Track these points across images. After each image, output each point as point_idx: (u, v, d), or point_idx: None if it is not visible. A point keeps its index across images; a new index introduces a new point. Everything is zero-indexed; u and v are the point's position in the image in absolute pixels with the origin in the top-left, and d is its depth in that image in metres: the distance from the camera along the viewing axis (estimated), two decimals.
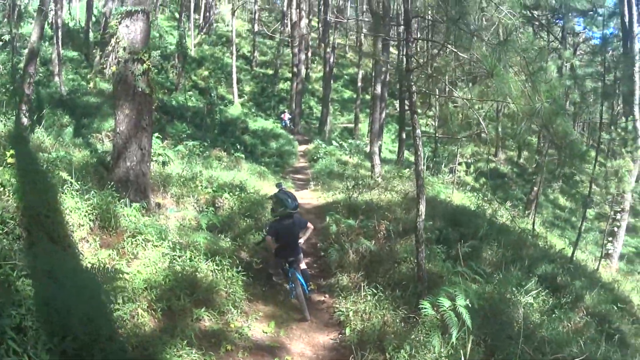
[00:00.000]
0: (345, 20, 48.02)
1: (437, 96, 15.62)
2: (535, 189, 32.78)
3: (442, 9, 11.11)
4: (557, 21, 44.86)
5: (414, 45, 14.06)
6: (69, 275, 7.06)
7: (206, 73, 57.20)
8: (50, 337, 5.91)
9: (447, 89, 13.82)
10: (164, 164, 20.14)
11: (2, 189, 8.25)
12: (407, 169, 27.51)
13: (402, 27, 13.39)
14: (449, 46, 11.65)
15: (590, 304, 15.05)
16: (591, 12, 35.94)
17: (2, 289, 5.95)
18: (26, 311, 5.85)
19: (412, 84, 12.16)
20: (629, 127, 24.89)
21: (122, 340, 7.62)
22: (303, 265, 13.07)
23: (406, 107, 28.73)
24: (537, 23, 43.30)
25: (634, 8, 28.59)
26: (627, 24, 28.99)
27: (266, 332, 10.91)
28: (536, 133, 37.47)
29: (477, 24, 11.11)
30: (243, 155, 29.59)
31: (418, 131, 12.14)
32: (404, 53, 13.44)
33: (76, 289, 6.76)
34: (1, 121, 15.48)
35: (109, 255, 10.20)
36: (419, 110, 54.08)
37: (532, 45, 11.45)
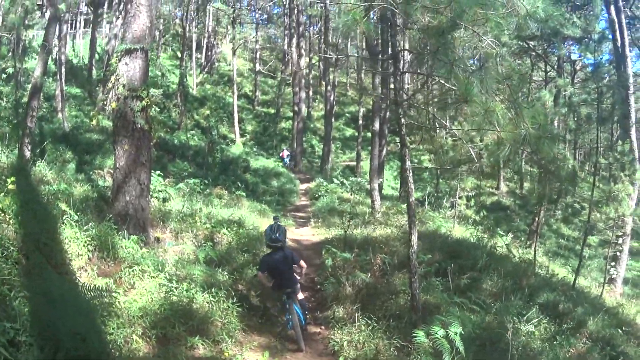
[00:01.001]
0: (336, 57, 47.91)
1: (427, 127, 15.82)
2: (537, 219, 32.75)
3: (425, 42, 11.32)
4: (553, 51, 44.94)
5: (400, 78, 14.28)
6: (64, 296, 7.23)
7: (208, 112, 57.46)
8: (42, 351, 6.09)
9: (434, 120, 14.04)
10: (164, 200, 20.31)
11: (2, 214, 8.43)
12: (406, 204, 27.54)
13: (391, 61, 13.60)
14: (436, 77, 11.89)
15: (593, 329, 14.97)
16: (586, 39, 35.96)
17: None
18: (21, 326, 6.03)
19: (402, 116, 12.36)
20: (626, 150, 24.98)
21: (113, 359, 7.76)
22: (300, 296, 13.16)
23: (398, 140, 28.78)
24: (533, 53, 43.46)
25: (626, 32, 28.72)
26: (619, 48, 29.08)
27: None
28: (536, 163, 37.57)
29: (460, 54, 11.30)
30: (244, 194, 29.69)
31: (408, 163, 12.36)
32: (393, 86, 13.62)
33: (69, 308, 6.94)
34: (4, 153, 15.67)
35: (106, 283, 10.32)
36: (419, 145, 54.33)
37: (516, 72, 11.62)
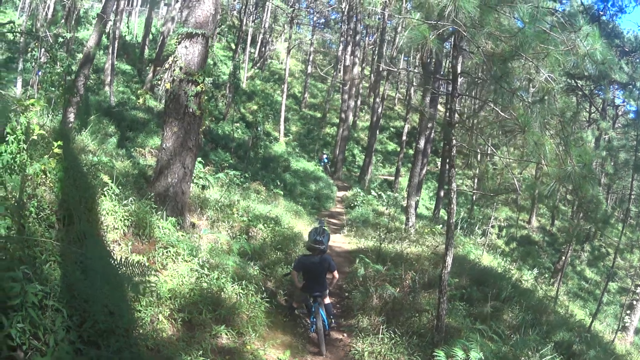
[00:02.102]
0: (396, 70, 47.85)
1: (476, 152, 15.79)
2: (563, 258, 32.51)
3: (487, 67, 11.30)
4: (599, 93, 44.63)
5: (458, 100, 14.30)
6: (97, 265, 7.23)
7: (255, 107, 57.55)
8: (70, 318, 6.11)
9: (485, 146, 13.99)
10: (203, 187, 20.43)
11: (45, 176, 8.47)
12: (440, 225, 27.46)
13: (450, 82, 13.60)
14: (491, 104, 11.86)
15: None
16: (630, 85, 35.68)
17: (31, 267, 6.13)
18: (50, 290, 6.02)
19: (453, 137, 12.35)
20: None
21: (138, 337, 7.80)
22: (327, 300, 13.15)
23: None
24: (580, 93, 43.22)
25: None
26: None
27: (280, 359, 10.94)
28: (570, 203, 37.25)
29: (519, 84, 11.29)
30: (282, 192, 29.66)
31: (454, 184, 12.33)
32: (449, 107, 13.64)
33: (102, 279, 6.93)
34: (49, 117, 15.76)
35: (139, 261, 10.39)
36: (459, 170, 54.21)
37: (569, 109, 11.60)
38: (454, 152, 12.49)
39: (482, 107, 13.20)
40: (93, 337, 6.36)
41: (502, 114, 11.17)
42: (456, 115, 13.09)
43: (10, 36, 31.29)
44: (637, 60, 38.54)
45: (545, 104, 10.61)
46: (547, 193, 11.63)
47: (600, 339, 19.77)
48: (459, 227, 30.24)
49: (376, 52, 65.02)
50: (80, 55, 25.57)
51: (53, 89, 21.41)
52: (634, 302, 26.85)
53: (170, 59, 14.86)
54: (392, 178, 53.99)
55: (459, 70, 13.35)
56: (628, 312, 26.69)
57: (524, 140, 10.76)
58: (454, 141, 12.40)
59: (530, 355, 12.14)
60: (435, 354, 10.20)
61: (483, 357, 9.84)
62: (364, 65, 73.97)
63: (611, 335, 22.33)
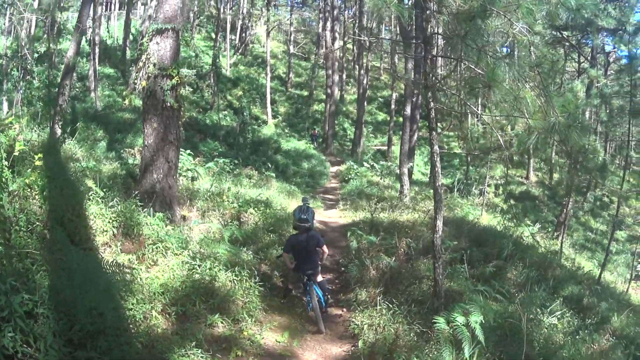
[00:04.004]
0: (368, 40, 47.84)
1: (456, 112, 15.67)
2: (565, 210, 32.35)
3: (453, 27, 11.22)
4: (587, 42, 44.20)
5: (432, 63, 14.20)
6: (84, 271, 7.36)
7: (240, 93, 57.53)
8: (58, 324, 6.23)
9: (464, 106, 13.93)
10: (193, 179, 20.51)
11: (29, 190, 8.54)
12: None
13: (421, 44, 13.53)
14: (465, 62, 11.80)
15: (617, 326, 14.69)
16: (620, 31, 35.29)
17: (20, 278, 6.24)
18: (39, 299, 6.19)
19: (431, 100, 12.31)
20: None
21: (130, 335, 7.87)
22: (320, 278, 13.12)
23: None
24: (567, 44, 42.92)
25: None
26: None
27: (279, 342, 10.99)
28: (565, 153, 37.02)
29: (491, 39, 11.20)
30: (274, 174, 29.89)
31: (436, 147, 12.30)
32: (423, 70, 13.55)
33: (88, 284, 7.07)
34: (35, 132, 15.79)
35: (129, 260, 10.47)
36: (449, 132, 54.13)
37: (546, 60, 11.46)
38: (433, 114, 12.46)
39: (455, 66, 13.10)
40: (83, 340, 6.53)
41: (476, 69, 11.11)
42: (433, 77, 13.05)
43: None
44: (625, 4, 37.91)
45: (514, 58, 10.52)
46: (529, 146, 11.54)
47: (612, 290, 19.68)
48: (455, 189, 30.27)
49: (356, 25, 64.92)
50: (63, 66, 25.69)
51: (37, 103, 21.53)
52: None
53: (144, 56, 15.00)
54: (385, 147, 54.36)
55: (430, 32, 13.28)
56: None
57: (500, 96, 10.69)
58: (432, 104, 12.37)
59: (538, 312, 12.14)
60: (435, 320, 10.15)
61: (484, 320, 9.77)
62: (345, 39, 73.90)
63: (624, 285, 22.18)
